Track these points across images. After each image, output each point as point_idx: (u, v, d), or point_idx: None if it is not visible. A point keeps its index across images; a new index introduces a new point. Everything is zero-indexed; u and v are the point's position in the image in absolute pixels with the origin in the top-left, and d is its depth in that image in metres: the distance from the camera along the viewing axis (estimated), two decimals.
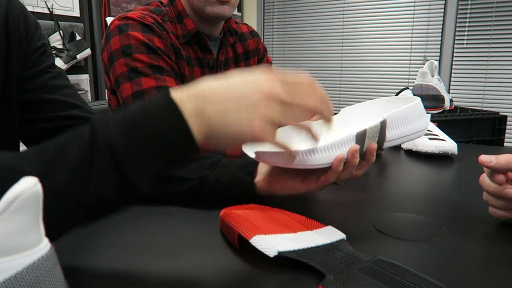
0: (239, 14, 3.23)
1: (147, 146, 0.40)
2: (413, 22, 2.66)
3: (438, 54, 2.59)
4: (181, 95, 0.41)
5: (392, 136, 0.56)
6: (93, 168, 0.38)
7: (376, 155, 0.58)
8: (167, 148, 0.41)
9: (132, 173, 0.39)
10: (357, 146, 0.53)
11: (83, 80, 2.21)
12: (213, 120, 0.42)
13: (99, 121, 0.41)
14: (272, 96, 0.43)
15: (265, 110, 0.43)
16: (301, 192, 0.57)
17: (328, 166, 0.53)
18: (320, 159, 0.52)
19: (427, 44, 2.64)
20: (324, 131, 0.63)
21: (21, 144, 0.66)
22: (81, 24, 2.17)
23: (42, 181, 0.25)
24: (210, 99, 0.42)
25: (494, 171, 0.52)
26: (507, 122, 1.54)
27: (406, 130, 0.56)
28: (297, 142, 0.54)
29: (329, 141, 0.52)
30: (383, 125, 0.55)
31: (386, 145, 0.56)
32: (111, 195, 0.39)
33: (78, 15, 2.16)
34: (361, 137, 0.53)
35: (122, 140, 0.39)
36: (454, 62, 2.55)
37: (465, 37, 2.50)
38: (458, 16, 2.50)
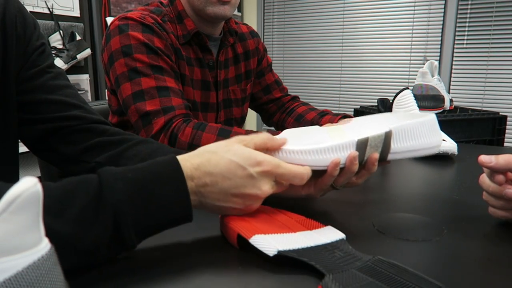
0: (239, 14, 3.23)
1: (149, 216, 0.42)
2: (413, 22, 2.66)
3: (438, 54, 2.59)
4: (190, 174, 0.45)
5: (398, 148, 0.55)
6: (95, 224, 0.39)
7: (382, 165, 0.57)
8: (166, 219, 0.44)
9: (130, 237, 0.41)
10: (356, 153, 0.52)
11: (83, 80, 2.21)
12: (208, 204, 0.47)
13: (107, 178, 0.42)
14: (266, 195, 0.49)
15: (258, 204, 0.50)
16: (303, 195, 0.57)
17: (325, 169, 0.53)
18: (316, 161, 0.52)
19: (427, 44, 2.64)
20: (331, 137, 0.62)
21: (21, 144, 0.66)
22: (81, 24, 2.17)
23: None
24: (210, 188, 0.46)
25: (494, 171, 0.52)
26: (507, 122, 1.54)
27: (415, 144, 0.55)
28: (303, 145, 0.54)
29: (327, 144, 0.52)
30: (387, 135, 0.54)
31: (391, 157, 0.55)
32: (104, 250, 0.41)
33: (78, 15, 2.16)
34: (362, 145, 0.53)
35: (128, 206, 0.41)
36: (454, 62, 2.55)
37: (465, 37, 2.50)
38: (458, 16, 2.50)
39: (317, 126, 0.64)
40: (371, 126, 0.62)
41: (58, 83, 0.65)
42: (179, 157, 0.46)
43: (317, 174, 0.54)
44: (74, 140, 0.64)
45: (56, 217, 0.37)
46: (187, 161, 0.46)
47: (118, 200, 0.40)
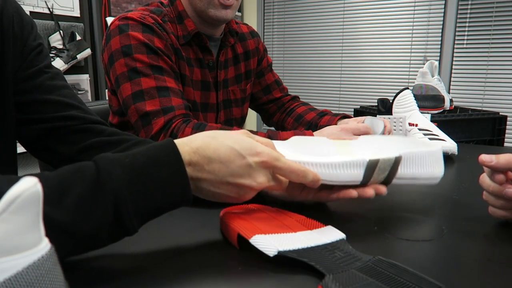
0: (239, 14, 3.23)
1: (149, 200, 0.42)
2: (413, 22, 2.66)
3: (438, 54, 2.59)
4: (188, 158, 0.45)
5: (403, 174, 0.55)
6: (94, 211, 0.39)
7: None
8: (166, 202, 0.44)
9: (131, 222, 0.41)
10: (372, 192, 0.53)
11: (83, 80, 2.21)
12: (203, 190, 0.47)
13: (104, 164, 0.41)
14: (261, 188, 0.48)
15: (252, 195, 0.49)
16: (298, 200, 0.58)
17: (329, 184, 0.53)
18: (324, 175, 0.51)
19: (427, 44, 2.64)
20: (337, 151, 0.62)
21: (18, 144, 0.66)
22: (81, 24, 2.17)
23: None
24: (207, 174, 0.46)
25: (494, 171, 0.52)
26: (507, 122, 1.54)
27: (419, 172, 0.56)
28: (313, 155, 0.54)
29: (337, 160, 0.52)
30: (397, 160, 0.54)
31: (394, 181, 0.56)
32: (105, 236, 0.41)
33: (78, 15, 2.16)
34: (371, 166, 0.53)
35: (127, 191, 0.41)
36: (454, 62, 2.55)
37: (465, 37, 2.50)
38: (458, 16, 2.50)
39: (325, 138, 0.64)
40: (377, 147, 0.62)
41: (55, 83, 0.65)
42: (178, 141, 0.46)
43: (320, 186, 0.54)
44: (72, 140, 0.64)
45: (54, 206, 0.37)
46: (186, 144, 0.46)
47: (117, 186, 0.40)
